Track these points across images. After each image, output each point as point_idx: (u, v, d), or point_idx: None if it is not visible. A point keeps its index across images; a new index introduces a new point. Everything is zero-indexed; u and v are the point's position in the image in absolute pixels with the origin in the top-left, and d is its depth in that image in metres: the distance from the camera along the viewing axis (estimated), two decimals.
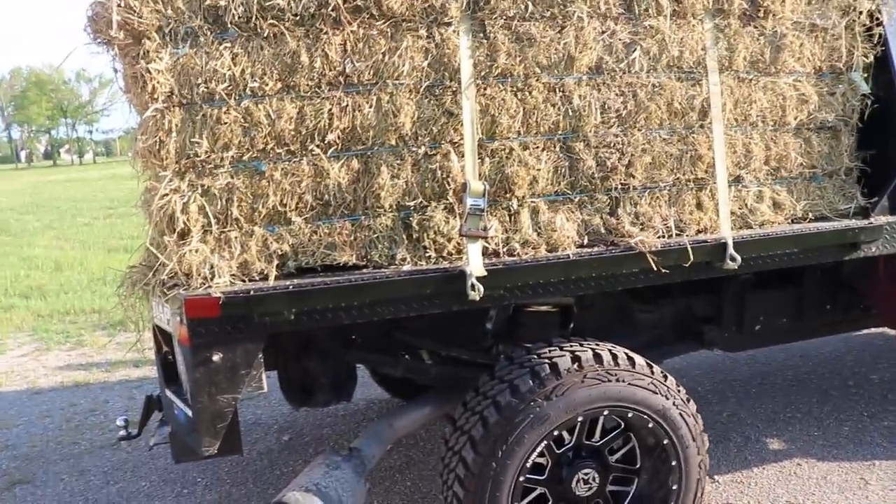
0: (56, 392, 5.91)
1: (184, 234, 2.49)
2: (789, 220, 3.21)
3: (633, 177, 2.94)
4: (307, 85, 2.57)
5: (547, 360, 2.76)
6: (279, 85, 2.54)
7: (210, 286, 2.45)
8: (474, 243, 2.62)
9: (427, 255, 2.70)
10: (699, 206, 3.06)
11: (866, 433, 4.22)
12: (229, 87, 2.48)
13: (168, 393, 2.89)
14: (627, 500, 2.94)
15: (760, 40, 3.11)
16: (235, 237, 2.54)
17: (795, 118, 3.21)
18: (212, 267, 2.48)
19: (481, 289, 2.59)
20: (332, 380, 3.25)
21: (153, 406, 3.56)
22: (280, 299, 2.44)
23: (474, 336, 3.31)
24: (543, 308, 3.24)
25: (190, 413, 2.60)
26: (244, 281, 2.52)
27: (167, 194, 2.45)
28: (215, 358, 2.44)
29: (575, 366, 2.74)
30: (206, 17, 2.46)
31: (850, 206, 3.32)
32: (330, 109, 2.58)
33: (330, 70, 2.57)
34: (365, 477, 2.88)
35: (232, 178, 2.53)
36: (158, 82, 2.41)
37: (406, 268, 2.65)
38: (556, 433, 2.73)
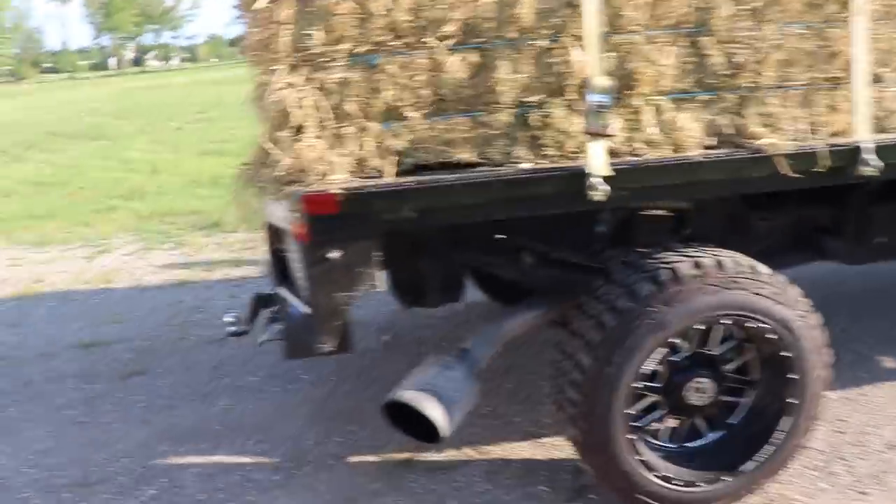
0: (161, 290, 6.17)
1: (299, 130, 2.48)
2: None
3: (764, 75, 2.77)
4: None
5: (667, 265, 2.69)
6: None
7: (327, 182, 2.45)
8: (597, 142, 2.53)
9: (546, 153, 2.63)
10: (833, 107, 2.87)
11: None
12: None
13: (281, 290, 2.94)
14: (742, 412, 2.89)
15: None
16: (351, 133, 2.52)
17: None
18: (328, 163, 2.47)
19: (605, 189, 2.51)
20: (442, 280, 3.26)
21: (262, 303, 3.66)
22: (401, 196, 2.43)
23: (585, 239, 3.24)
24: (659, 211, 3.15)
25: (305, 310, 2.65)
26: (360, 178, 2.51)
27: (281, 88, 2.43)
28: (332, 255, 2.46)
29: (696, 271, 2.66)
30: None
31: None
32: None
33: None
34: (476, 378, 2.90)
35: (347, 72, 2.48)
36: None
37: (525, 166, 2.59)
38: (673, 340, 2.68)
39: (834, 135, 2.85)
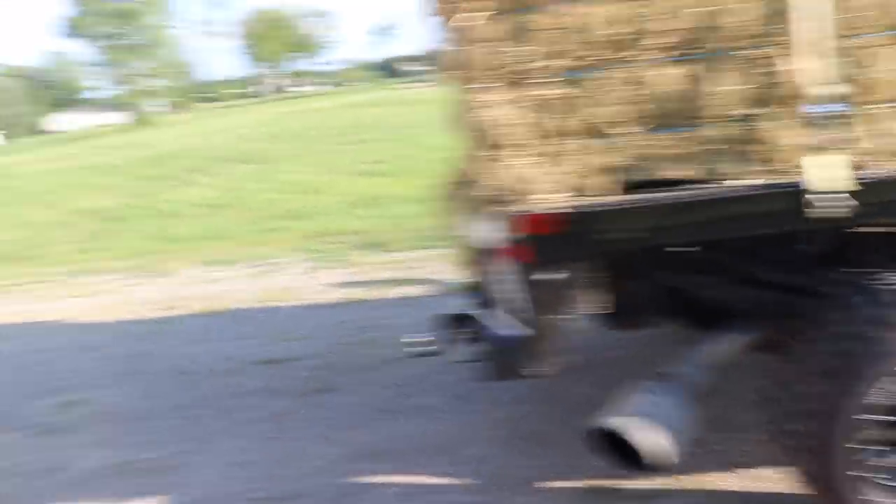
0: (334, 308, 6.35)
1: (513, 147, 2.46)
2: None
3: None
4: None
5: None
6: None
7: (546, 201, 2.41)
8: (834, 154, 2.37)
9: (771, 168, 2.49)
10: None
11: None
12: None
13: (483, 312, 2.92)
14: None
15: None
16: (566, 149, 2.48)
17: None
18: (545, 182, 2.44)
19: (850, 204, 2.35)
20: (649, 302, 3.16)
21: (452, 323, 3.67)
22: (626, 215, 2.38)
23: (798, 259, 3.06)
24: (880, 230, 2.93)
25: (515, 333, 2.62)
26: (577, 197, 2.46)
27: (494, 106, 2.42)
28: (551, 276, 2.42)
29: None
30: None
31: None
32: (668, 7, 2.41)
33: None
34: (691, 405, 2.78)
35: (564, 86, 2.45)
36: None
37: (747, 182, 2.46)
38: None
39: None
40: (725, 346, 3.06)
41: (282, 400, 4.64)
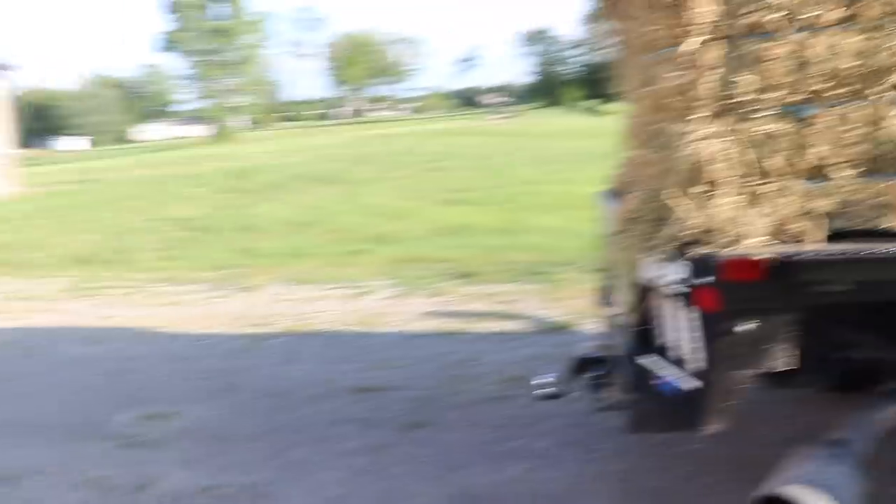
0: (428, 338, 6.13)
1: (713, 185, 2.20)
2: None
3: None
4: (872, 14, 2.15)
5: None
6: (839, 14, 2.15)
7: (742, 245, 2.15)
8: None
9: None
10: None
11: None
12: (781, 18, 2.13)
13: (644, 359, 2.65)
14: None
15: None
16: (772, 191, 2.22)
17: None
18: (745, 224, 2.17)
19: None
20: (819, 359, 2.86)
21: (584, 367, 3.44)
22: (838, 266, 2.09)
23: None
24: None
25: (688, 386, 2.34)
26: (778, 242, 2.19)
27: (701, 140, 2.17)
28: (743, 327, 2.16)
29: None
30: None
31: None
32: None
33: None
34: (862, 474, 2.47)
35: (776, 122, 2.20)
36: (701, 11, 2.12)
37: None
38: None
39: None
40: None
41: (379, 431, 4.42)
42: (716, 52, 2.18)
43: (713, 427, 2.30)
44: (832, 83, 2.19)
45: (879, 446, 2.65)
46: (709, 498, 3.40)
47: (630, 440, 3.97)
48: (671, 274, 2.35)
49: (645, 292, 2.61)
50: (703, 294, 2.19)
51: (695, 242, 2.23)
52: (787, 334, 2.21)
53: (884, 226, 2.23)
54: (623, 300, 2.90)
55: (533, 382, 3.61)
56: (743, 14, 2.17)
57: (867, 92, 2.20)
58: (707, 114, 2.21)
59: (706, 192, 2.21)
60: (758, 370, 2.24)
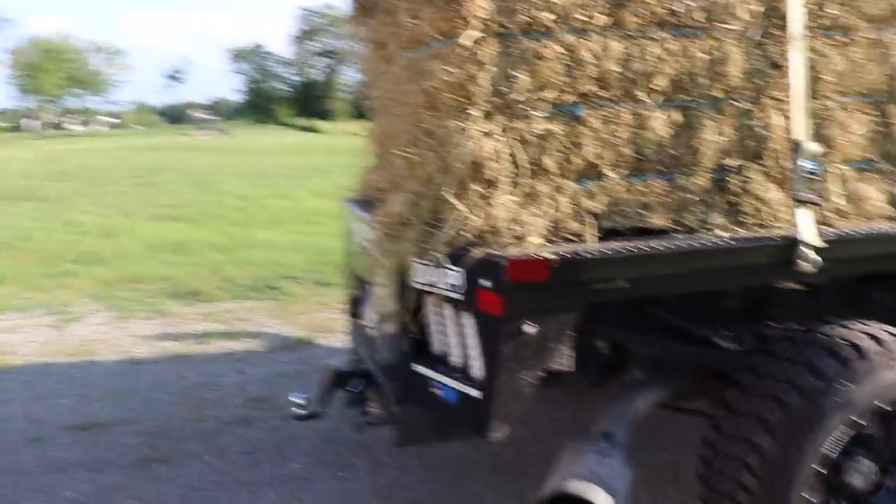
0: (156, 363, 5.57)
1: (491, 185, 2.14)
2: None
3: None
4: (635, 22, 2.23)
5: (847, 341, 2.47)
6: (607, 19, 2.20)
7: (524, 246, 2.11)
8: (805, 210, 2.29)
9: (744, 221, 2.37)
10: None
11: None
12: (554, 19, 2.13)
13: (420, 367, 2.52)
14: None
15: None
16: (546, 191, 2.20)
17: None
18: (522, 224, 2.13)
19: (815, 260, 2.26)
20: (583, 358, 2.93)
21: (337, 382, 3.26)
22: (619, 263, 2.13)
23: (720, 314, 2.99)
24: (797, 286, 2.93)
25: (471, 391, 2.25)
26: (554, 242, 2.18)
27: (477, 137, 2.10)
28: (527, 329, 2.10)
29: (879, 347, 2.44)
30: None
31: None
32: (658, 52, 2.24)
33: (661, 7, 2.23)
34: (629, 464, 2.56)
35: (548, 122, 2.19)
36: (476, 5, 2.06)
37: (723, 234, 2.32)
38: (854, 419, 2.41)
39: None
40: (648, 399, 2.90)
41: (108, 473, 3.87)
42: (491, 49, 2.12)
43: (499, 432, 2.22)
44: (600, 86, 2.23)
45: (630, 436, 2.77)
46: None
47: (389, 454, 3.86)
48: (448, 278, 2.25)
49: (417, 298, 2.48)
50: (485, 297, 2.11)
51: (473, 244, 2.15)
52: (567, 334, 2.20)
53: (649, 224, 2.32)
54: (383, 309, 2.75)
55: (291, 400, 3.35)
56: (518, 12, 2.14)
57: (632, 96, 2.27)
58: (482, 112, 2.14)
59: (483, 192, 2.15)
60: (541, 372, 2.20)
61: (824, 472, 2.41)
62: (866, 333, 2.52)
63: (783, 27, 2.37)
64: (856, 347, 2.45)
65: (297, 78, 76.58)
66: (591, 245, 2.16)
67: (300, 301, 7.19)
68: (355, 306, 3.58)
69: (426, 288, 2.37)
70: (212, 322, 6.60)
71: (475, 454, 3.79)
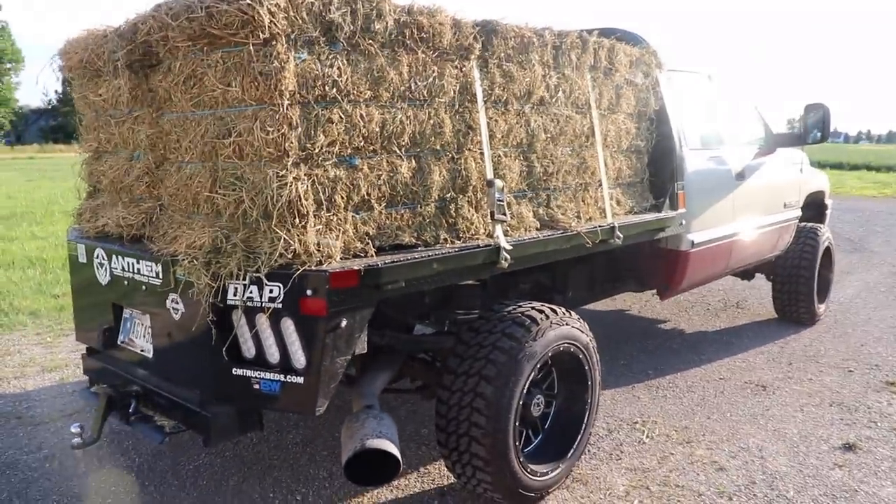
0: None
1: (302, 218, 2.58)
2: (625, 213, 4.23)
3: (559, 180, 3.69)
4: (387, 96, 2.84)
5: (523, 315, 3.34)
6: (369, 94, 2.77)
7: (330, 262, 2.60)
8: (499, 225, 3.13)
9: (459, 235, 3.13)
10: (584, 201, 3.91)
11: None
12: (337, 93, 2.65)
13: (242, 371, 2.80)
14: (563, 414, 3.63)
15: (612, 89, 4.07)
16: (338, 220, 2.70)
17: (626, 143, 4.26)
18: (327, 246, 2.61)
19: (509, 258, 3.11)
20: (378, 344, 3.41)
21: (111, 406, 3.27)
22: (400, 270, 2.72)
23: (425, 308, 3.73)
24: (472, 282, 3.80)
25: (296, 380, 2.66)
26: (347, 258, 2.70)
27: (291, 181, 2.53)
28: (343, 324, 2.60)
29: (543, 316, 3.36)
30: (322, 29, 2.62)
31: (646, 205, 4.46)
32: (401, 118, 2.88)
33: (402, 86, 2.87)
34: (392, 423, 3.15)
35: (336, 169, 2.70)
36: (287, 80, 2.49)
37: (448, 245, 3.04)
38: (538, 366, 3.31)
39: (588, 220, 3.87)
40: (384, 377, 3.50)
41: None
42: (296, 114, 2.57)
43: (322, 408, 2.66)
44: (367, 142, 2.81)
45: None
46: (239, 497, 3.58)
47: (122, 466, 3.78)
48: (267, 292, 2.62)
49: (228, 314, 2.76)
50: (309, 303, 2.55)
51: (290, 264, 2.56)
52: (365, 325, 2.73)
53: (402, 241, 2.95)
54: (167, 329, 3.01)
55: (73, 430, 3.24)
56: (315, 87, 2.61)
57: (387, 149, 2.88)
58: (293, 161, 2.58)
59: (298, 224, 2.57)
60: (350, 357, 2.69)
61: (521, 406, 3.26)
62: (534, 308, 3.44)
63: (473, 101, 3.19)
64: (531, 318, 3.35)
65: None
66: (381, 258, 2.73)
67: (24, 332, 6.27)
68: (108, 336, 3.54)
69: (238, 303, 2.68)
70: None
71: (230, 450, 3.97)
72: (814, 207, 6.94)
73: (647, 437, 4.20)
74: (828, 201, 7.29)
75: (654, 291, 5.25)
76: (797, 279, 6.48)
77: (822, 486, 3.63)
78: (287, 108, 2.53)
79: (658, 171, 4.63)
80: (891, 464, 3.90)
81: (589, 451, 3.95)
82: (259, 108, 2.55)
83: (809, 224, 6.65)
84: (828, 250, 6.74)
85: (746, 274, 6.69)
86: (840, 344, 6.13)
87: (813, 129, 5.87)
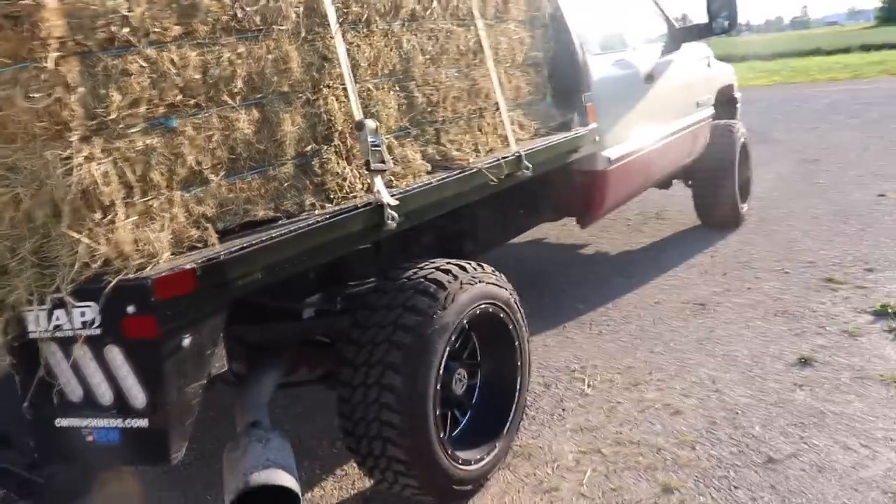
0: None
1: (108, 210, 1.90)
2: (531, 137, 3.66)
3: (447, 109, 3.08)
4: (205, 30, 2.14)
5: (426, 280, 2.77)
6: (179, 30, 2.07)
7: (155, 264, 1.94)
8: (379, 177, 2.51)
9: (331, 197, 2.50)
10: (481, 130, 3.32)
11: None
12: (131, 32, 1.94)
13: (67, 421, 2.13)
14: (491, 385, 3.12)
15: None
16: (159, 205, 2.03)
17: (521, 55, 3.66)
18: (148, 242, 1.95)
19: (396, 216, 2.51)
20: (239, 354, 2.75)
21: None
22: (252, 258, 2.08)
23: (305, 287, 3.09)
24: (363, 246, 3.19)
25: (137, 423, 2.01)
26: (180, 253, 2.04)
27: (81, 163, 1.84)
28: (185, 342, 1.96)
29: (451, 277, 2.81)
30: None
31: (553, 124, 3.91)
32: (229, 56, 2.19)
33: (223, 14, 2.18)
34: (285, 438, 2.57)
35: (146, 137, 2.00)
36: (52, 24, 1.77)
37: (317, 212, 2.42)
38: (453, 338, 2.77)
39: (489, 151, 3.29)
40: (272, 379, 2.90)
41: None
42: (74, 69, 1.83)
43: (179, 453, 2.03)
44: (186, 95, 2.10)
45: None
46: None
47: None
48: (78, 317, 1.94)
49: (30, 347, 2.07)
50: (133, 323, 1.89)
51: (102, 275, 1.89)
52: (220, 336, 2.09)
53: (255, 217, 2.29)
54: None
55: None
56: (96, 28, 1.86)
57: (216, 101, 2.18)
58: (79, 136, 1.86)
59: (101, 218, 1.89)
60: (206, 380, 2.06)
61: (441, 388, 2.71)
62: (438, 269, 2.84)
63: (324, 24, 2.50)
64: (437, 282, 2.75)
65: None
66: (226, 245, 2.08)
67: None
68: None
69: (46, 335, 2.00)
70: None
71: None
72: (724, 103, 6.56)
73: (589, 385, 3.76)
74: (737, 94, 6.95)
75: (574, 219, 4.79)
76: (717, 181, 6.13)
77: (788, 415, 3.26)
78: (57, 63, 1.81)
79: (561, 84, 4.07)
80: (851, 373, 3.58)
81: (527, 414, 3.46)
82: (18, 69, 1.82)
83: (723, 121, 6.27)
84: (744, 146, 6.40)
85: (664, 183, 6.31)
86: (770, 244, 5.83)
87: (717, 17, 5.43)
